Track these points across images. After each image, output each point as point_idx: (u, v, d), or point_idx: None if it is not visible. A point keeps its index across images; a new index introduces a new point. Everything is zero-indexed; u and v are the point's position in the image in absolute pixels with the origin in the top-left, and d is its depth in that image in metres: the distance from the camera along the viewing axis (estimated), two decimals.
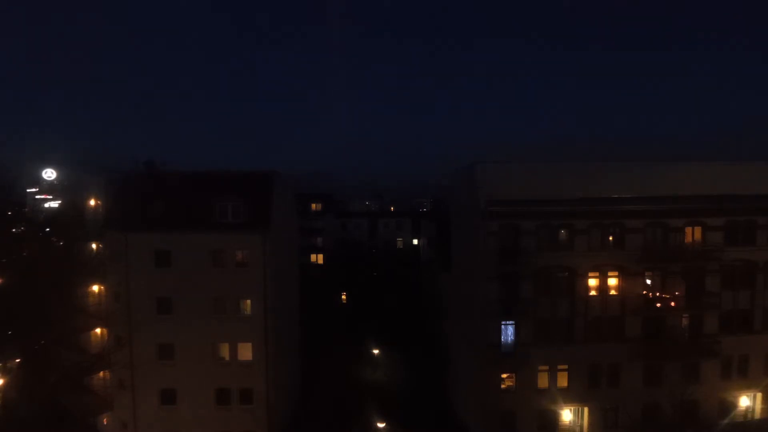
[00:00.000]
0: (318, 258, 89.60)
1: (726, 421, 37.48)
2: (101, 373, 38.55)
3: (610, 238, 37.55)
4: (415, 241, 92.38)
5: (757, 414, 38.94)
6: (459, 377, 45.50)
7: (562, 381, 37.59)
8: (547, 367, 37.45)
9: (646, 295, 37.91)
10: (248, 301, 38.23)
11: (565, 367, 37.53)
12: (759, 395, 38.85)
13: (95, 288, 39.92)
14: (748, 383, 38.37)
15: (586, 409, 37.99)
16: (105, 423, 38.94)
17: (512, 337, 37.52)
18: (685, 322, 38.13)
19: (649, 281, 38.02)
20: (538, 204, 36.55)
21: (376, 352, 56.31)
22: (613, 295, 37.60)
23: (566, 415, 37.16)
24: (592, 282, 37.54)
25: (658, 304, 37.66)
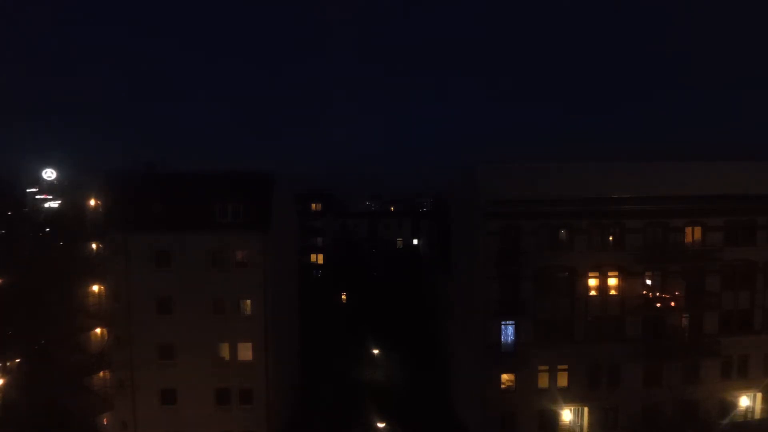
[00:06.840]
0: (318, 258, 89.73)
1: (726, 421, 37.49)
2: (101, 373, 38.62)
3: (610, 238, 37.56)
4: (415, 241, 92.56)
5: (757, 414, 38.95)
6: (459, 377, 45.51)
7: (562, 381, 37.59)
8: (547, 367, 37.46)
9: (646, 295, 37.92)
10: (248, 301, 38.28)
11: (565, 367, 37.53)
12: (759, 395, 38.84)
13: (95, 288, 39.97)
14: (748, 383, 38.37)
15: (586, 409, 37.99)
16: (105, 423, 38.95)
17: (512, 337, 37.55)
18: (685, 322, 38.13)
19: (649, 281, 38.02)
20: (538, 204, 36.58)
21: (375, 352, 56.33)
22: (613, 295, 37.61)
23: (566, 415, 37.17)
24: (592, 282, 37.55)
25: (658, 304, 37.69)
